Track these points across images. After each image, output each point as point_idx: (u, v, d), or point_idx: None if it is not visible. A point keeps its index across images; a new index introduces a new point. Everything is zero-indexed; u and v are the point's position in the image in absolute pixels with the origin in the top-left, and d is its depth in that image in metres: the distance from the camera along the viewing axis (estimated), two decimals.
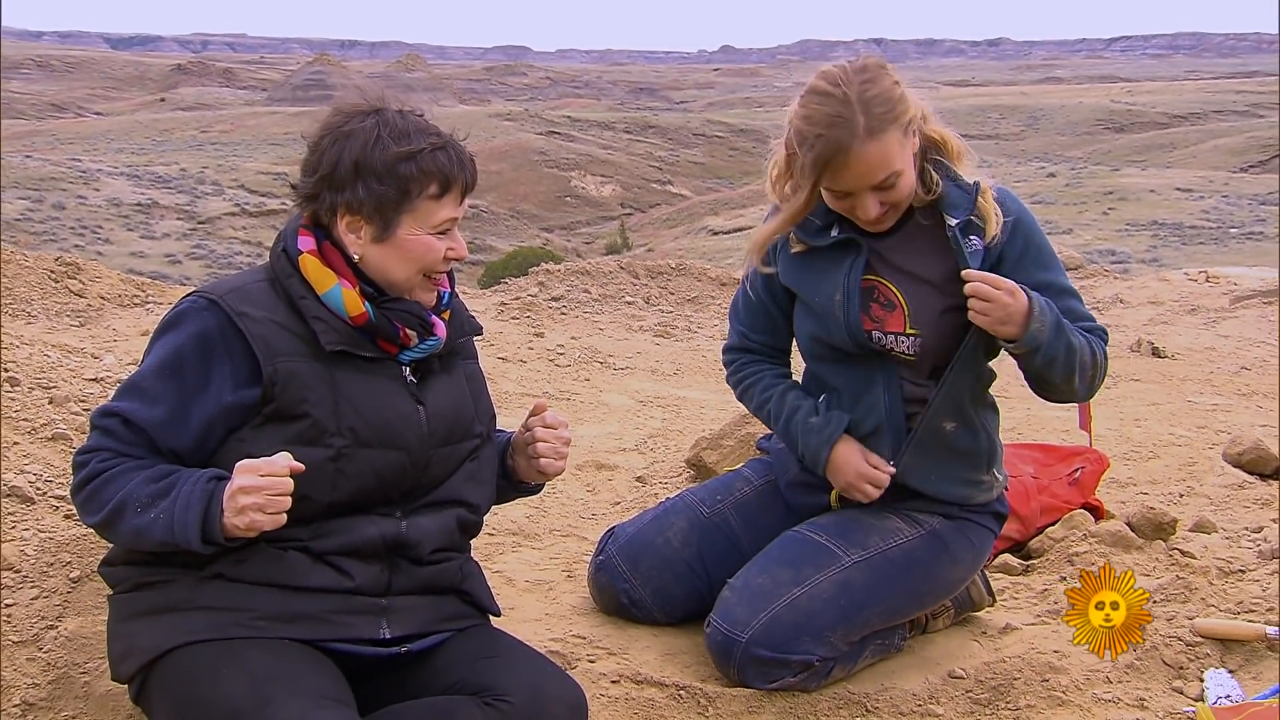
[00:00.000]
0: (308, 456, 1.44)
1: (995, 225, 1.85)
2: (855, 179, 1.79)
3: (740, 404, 2.20)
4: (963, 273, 1.80)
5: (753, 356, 2.12)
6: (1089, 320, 1.94)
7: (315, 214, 1.53)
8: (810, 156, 1.76)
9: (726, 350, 2.17)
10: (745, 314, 2.10)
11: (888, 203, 1.83)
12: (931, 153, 1.88)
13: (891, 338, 1.91)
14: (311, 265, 1.50)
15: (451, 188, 1.52)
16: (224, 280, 1.56)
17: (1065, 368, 1.82)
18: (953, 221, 1.85)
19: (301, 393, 1.46)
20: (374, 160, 1.48)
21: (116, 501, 1.40)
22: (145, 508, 1.39)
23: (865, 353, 1.93)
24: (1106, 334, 1.95)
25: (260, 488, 1.37)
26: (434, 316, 1.57)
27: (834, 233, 1.92)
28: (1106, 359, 1.92)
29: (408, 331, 1.53)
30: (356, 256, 1.53)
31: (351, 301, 1.49)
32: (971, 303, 1.78)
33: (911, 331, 1.90)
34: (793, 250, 1.97)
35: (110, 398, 1.50)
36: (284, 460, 1.38)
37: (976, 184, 1.87)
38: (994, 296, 1.75)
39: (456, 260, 1.57)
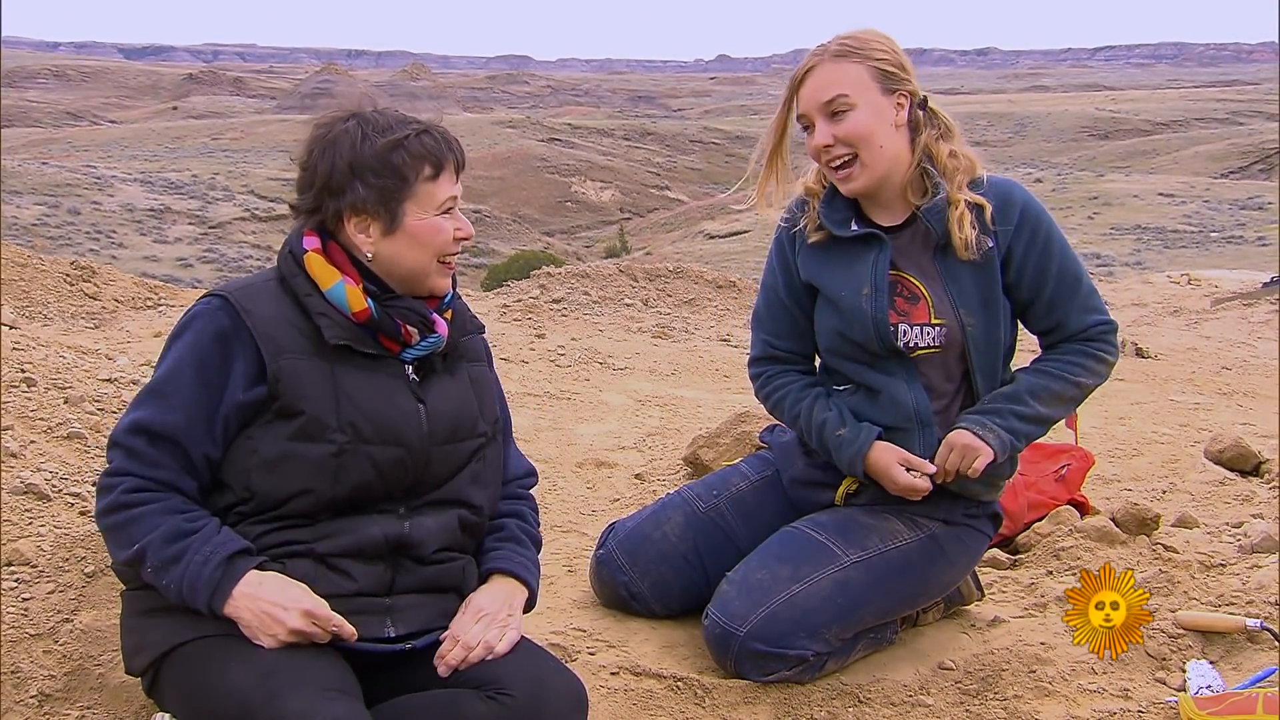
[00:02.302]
0: (310, 452, 1.46)
1: (968, 232, 1.88)
2: (809, 96, 1.90)
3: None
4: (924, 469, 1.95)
5: (780, 367, 2.09)
6: (1097, 313, 1.97)
7: (321, 223, 1.55)
8: (790, 79, 1.94)
9: (752, 363, 2.14)
10: (768, 319, 2.09)
11: (839, 137, 1.88)
12: (924, 162, 1.93)
13: (917, 330, 1.93)
14: (316, 263, 1.52)
15: (444, 167, 1.54)
16: (234, 280, 1.58)
17: (1040, 423, 1.98)
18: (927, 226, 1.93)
19: (303, 388, 1.47)
20: (365, 156, 1.50)
21: (136, 551, 1.43)
22: (157, 571, 1.42)
23: (887, 352, 1.94)
24: (1111, 327, 1.99)
25: (304, 632, 1.40)
26: (435, 315, 1.59)
27: (854, 226, 1.96)
28: (1103, 361, 1.97)
29: (409, 329, 1.54)
30: (369, 256, 1.54)
31: (354, 297, 1.51)
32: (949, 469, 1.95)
33: (936, 322, 1.93)
34: (810, 240, 1.99)
35: (130, 406, 1.50)
36: (345, 628, 1.43)
37: (940, 204, 1.90)
38: (955, 462, 1.93)
39: (465, 239, 1.58)
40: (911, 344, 1.94)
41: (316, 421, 1.47)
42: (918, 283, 1.95)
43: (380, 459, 1.51)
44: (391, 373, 1.55)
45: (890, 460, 1.93)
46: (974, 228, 1.89)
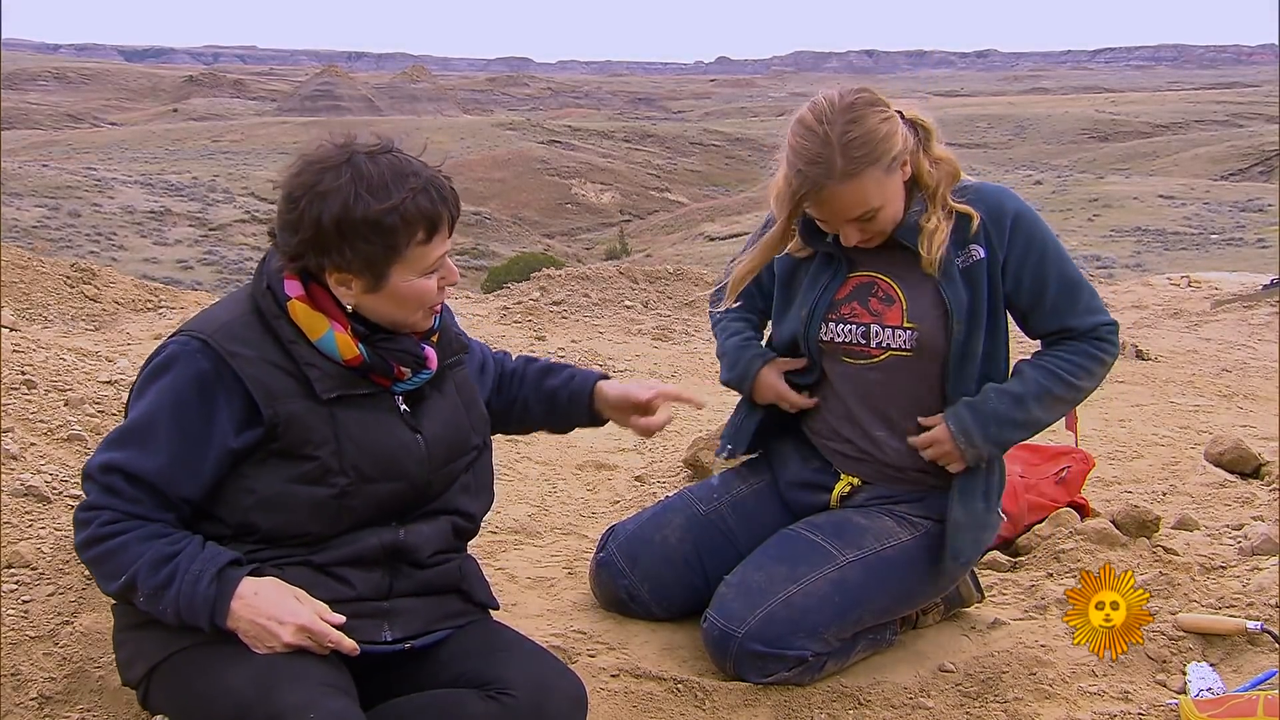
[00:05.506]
0: (313, 495, 1.45)
1: (934, 254, 1.87)
2: (831, 213, 1.86)
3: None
4: (910, 440, 1.98)
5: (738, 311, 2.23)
6: (1100, 314, 1.95)
7: (303, 266, 1.48)
8: (789, 189, 1.84)
9: (715, 292, 2.24)
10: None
11: (870, 231, 1.89)
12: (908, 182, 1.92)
13: (889, 331, 1.94)
14: (301, 311, 1.46)
15: (439, 229, 1.47)
16: (208, 315, 1.50)
17: (1034, 429, 1.98)
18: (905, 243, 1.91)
19: (305, 435, 1.45)
20: (356, 219, 1.41)
21: (125, 581, 1.40)
22: (150, 598, 1.40)
23: (813, 361, 2.03)
24: (1114, 327, 1.95)
25: (298, 646, 1.38)
26: (426, 348, 1.56)
27: (830, 238, 1.96)
28: (1103, 363, 1.94)
29: (402, 369, 1.52)
30: (350, 307, 1.50)
31: (345, 346, 1.47)
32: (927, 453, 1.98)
33: (908, 325, 1.93)
34: (795, 253, 2.02)
35: (105, 441, 1.45)
36: (344, 643, 1.41)
37: (915, 217, 1.89)
38: (928, 454, 1.97)
39: (450, 286, 1.55)
40: (883, 345, 1.95)
41: (321, 466, 1.46)
42: (895, 285, 1.95)
43: (383, 494, 1.50)
44: (385, 408, 1.53)
45: (775, 383, 2.07)
46: (943, 248, 1.88)
